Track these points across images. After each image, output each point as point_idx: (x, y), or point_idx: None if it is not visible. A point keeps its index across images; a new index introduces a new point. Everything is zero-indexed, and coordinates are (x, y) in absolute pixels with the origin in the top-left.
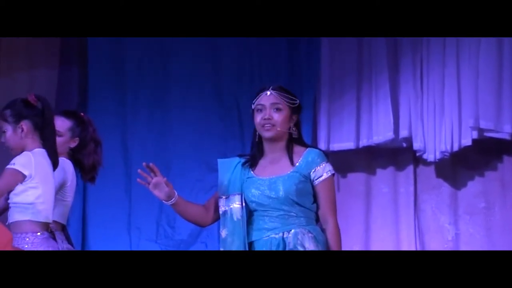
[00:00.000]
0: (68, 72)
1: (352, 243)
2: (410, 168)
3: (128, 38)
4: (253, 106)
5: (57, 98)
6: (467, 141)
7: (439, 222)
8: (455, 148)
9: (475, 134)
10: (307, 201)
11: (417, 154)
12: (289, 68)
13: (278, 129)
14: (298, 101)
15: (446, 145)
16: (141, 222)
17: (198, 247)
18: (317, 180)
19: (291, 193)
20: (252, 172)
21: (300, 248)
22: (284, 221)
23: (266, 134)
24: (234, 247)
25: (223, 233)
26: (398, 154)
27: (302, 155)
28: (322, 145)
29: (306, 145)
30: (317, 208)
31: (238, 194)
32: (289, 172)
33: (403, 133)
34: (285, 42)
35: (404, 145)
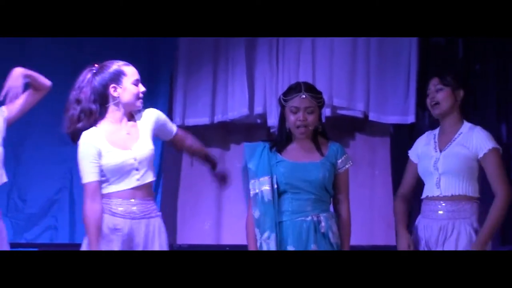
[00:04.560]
0: None
1: (203, 219)
2: None
3: None
4: (283, 102)
5: None
6: None
7: None
8: None
9: (328, 112)
10: (331, 187)
11: (271, 130)
12: (148, 43)
13: (310, 128)
14: (323, 99)
15: None
16: None
17: (48, 221)
18: (342, 168)
19: (325, 178)
20: (281, 156)
21: (330, 233)
22: (314, 205)
23: (301, 135)
24: (267, 227)
25: (256, 213)
26: (253, 130)
27: (328, 146)
28: (178, 120)
29: (327, 138)
30: (335, 193)
31: (268, 177)
32: (320, 160)
33: (258, 109)
34: None
35: (259, 121)
